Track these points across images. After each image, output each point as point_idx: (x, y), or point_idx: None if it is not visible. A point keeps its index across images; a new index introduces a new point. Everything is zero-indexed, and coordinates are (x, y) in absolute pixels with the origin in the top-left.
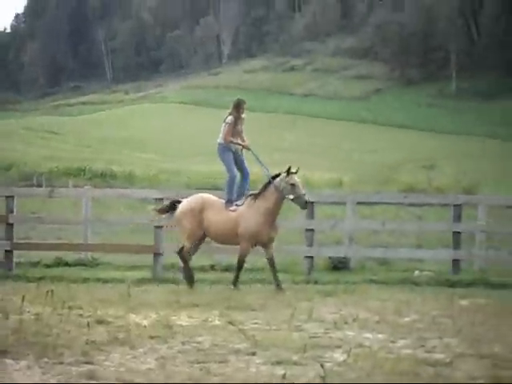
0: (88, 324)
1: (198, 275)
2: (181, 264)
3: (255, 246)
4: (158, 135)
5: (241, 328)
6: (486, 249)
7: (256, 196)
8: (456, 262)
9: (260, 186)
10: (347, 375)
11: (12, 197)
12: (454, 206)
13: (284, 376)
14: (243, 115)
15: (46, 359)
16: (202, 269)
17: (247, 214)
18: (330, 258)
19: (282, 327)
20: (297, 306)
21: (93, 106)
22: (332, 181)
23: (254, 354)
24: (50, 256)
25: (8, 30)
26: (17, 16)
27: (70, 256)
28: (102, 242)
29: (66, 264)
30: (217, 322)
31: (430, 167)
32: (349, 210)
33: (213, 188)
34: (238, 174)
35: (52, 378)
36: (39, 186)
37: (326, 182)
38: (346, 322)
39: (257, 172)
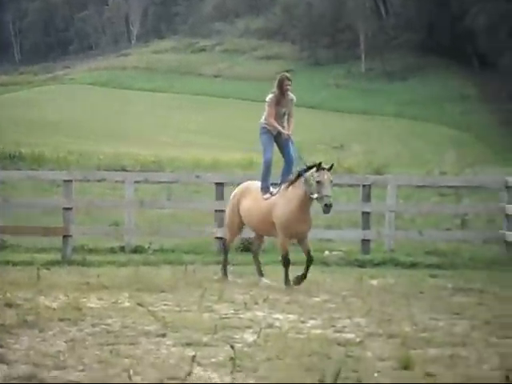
0: None
1: (107, 257)
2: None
3: (291, 238)
4: (66, 117)
5: (150, 309)
6: (396, 229)
7: (288, 185)
8: (365, 242)
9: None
10: (257, 356)
11: None
12: (363, 186)
13: (194, 357)
14: (290, 95)
15: None
16: (112, 250)
17: (278, 205)
18: (240, 238)
19: (192, 308)
20: (207, 286)
21: (1, 88)
22: (243, 161)
23: (164, 335)
24: None
25: None
26: None
27: None
28: (11, 225)
29: None
30: (126, 304)
31: (340, 147)
32: None
33: (121, 169)
34: (271, 159)
35: None
36: None
37: (237, 163)
38: (256, 303)
39: None
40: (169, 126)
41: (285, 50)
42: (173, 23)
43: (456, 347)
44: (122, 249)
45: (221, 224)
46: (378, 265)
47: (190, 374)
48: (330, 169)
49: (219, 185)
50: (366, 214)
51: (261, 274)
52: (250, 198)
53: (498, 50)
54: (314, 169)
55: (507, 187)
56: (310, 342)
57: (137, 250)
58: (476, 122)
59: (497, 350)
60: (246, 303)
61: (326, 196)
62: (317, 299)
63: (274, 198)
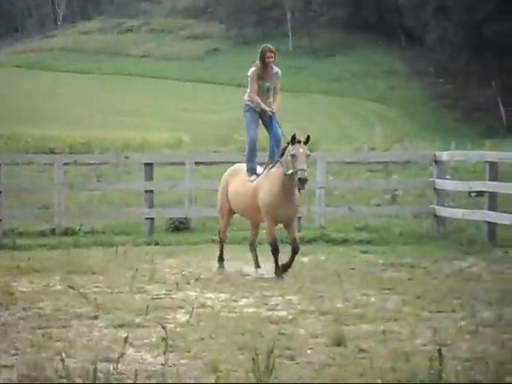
0: None
1: (37, 240)
2: None
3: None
4: None
5: (82, 292)
6: (326, 205)
7: (271, 166)
8: (296, 219)
9: None
10: (190, 336)
11: None
12: None
13: (127, 339)
14: (275, 68)
15: None
16: (42, 233)
17: (262, 187)
18: (170, 218)
19: (123, 290)
20: (138, 267)
21: None
22: (172, 141)
23: (96, 317)
24: None
25: None
26: None
27: None
28: None
29: None
30: (58, 287)
31: None
32: (188, 170)
33: (49, 152)
34: (255, 138)
35: None
36: None
37: (166, 143)
38: (188, 283)
39: None
40: (97, 108)
41: (212, 29)
42: (99, 4)
43: (388, 322)
44: (53, 231)
45: (151, 205)
46: (308, 242)
47: (122, 355)
48: (306, 142)
49: (148, 165)
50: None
51: (258, 265)
52: (238, 180)
53: (424, 26)
54: (290, 144)
55: (436, 162)
56: (242, 321)
57: (67, 232)
58: (404, 97)
59: (429, 325)
60: (177, 283)
61: (301, 170)
62: (248, 277)
63: (258, 180)
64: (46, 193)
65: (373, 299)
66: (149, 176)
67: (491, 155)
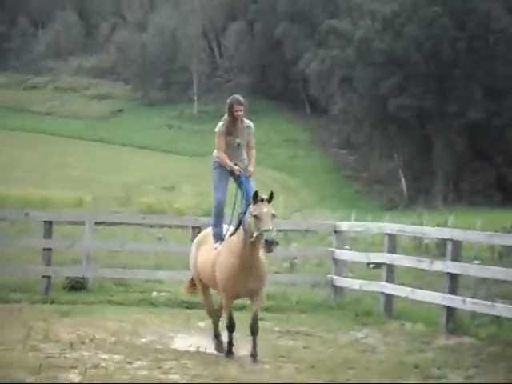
0: None
1: None
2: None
3: (238, 298)
4: None
5: None
6: None
7: (232, 232)
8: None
9: None
10: None
11: None
12: (193, 227)
13: None
14: (246, 122)
15: None
16: None
17: (220, 258)
18: (67, 277)
19: (16, 347)
20: (33, 325)
21: None
22: (73, 200)
23: None
24: None
25: None
26: None
27: None
28: None
29: None
30: None
31: (171, 188)
32: (87, 229)
33: None
34: (223, 200)
35: None
36: None
37: (67, 202)
38: (82, 343)
39: None
40: None
41: (117, 90)
42: (5, 59)
43: None
44: None
45: (48, 263)
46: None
47: None
48: (269, 199)
49: (47, 223)
50: None
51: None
52: (205, 248)
53: (329, 96)
54: (251, 205)
55: (336, 232)
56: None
57: None
58: (306, 166)
59: None
60: (72, 343)
61: (266, 231)
62: (143, 340)
63: (219, 248)
64: None
65: (267, 366)
66: (48, 234)
67: (390, 227)
